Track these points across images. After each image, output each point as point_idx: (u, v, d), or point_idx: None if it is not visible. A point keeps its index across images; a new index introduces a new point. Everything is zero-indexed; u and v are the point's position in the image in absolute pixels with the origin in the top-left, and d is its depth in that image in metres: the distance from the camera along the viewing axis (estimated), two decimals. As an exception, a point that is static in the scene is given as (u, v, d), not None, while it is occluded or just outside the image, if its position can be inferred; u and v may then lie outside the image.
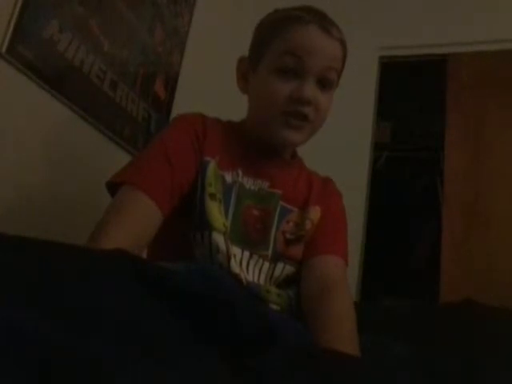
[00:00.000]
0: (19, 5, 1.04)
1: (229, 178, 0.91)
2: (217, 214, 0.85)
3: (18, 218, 1.07)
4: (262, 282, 0.90)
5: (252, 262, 0.89)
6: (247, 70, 0.95)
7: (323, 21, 0.88)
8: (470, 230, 2.05)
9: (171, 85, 1.62)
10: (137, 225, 0.76)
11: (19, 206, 1.08)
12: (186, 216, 0.86)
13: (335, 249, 0.94)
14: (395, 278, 2.65)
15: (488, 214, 2.04)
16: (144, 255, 0.94)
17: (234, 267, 0.84)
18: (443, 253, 2.06)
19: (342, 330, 0.77)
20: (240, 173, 0.92)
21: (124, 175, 0.82)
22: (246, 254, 0.89)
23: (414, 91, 2.88)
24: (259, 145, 0.95)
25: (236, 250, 0.87)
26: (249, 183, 0.93)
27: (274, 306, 0.87)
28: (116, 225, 0.74)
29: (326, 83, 0.89)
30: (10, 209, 1.06)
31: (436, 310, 0.99)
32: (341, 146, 2.14)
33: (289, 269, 0.93)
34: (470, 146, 2.17)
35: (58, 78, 1.15)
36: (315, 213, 0.96)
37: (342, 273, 0.91)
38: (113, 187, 0.82)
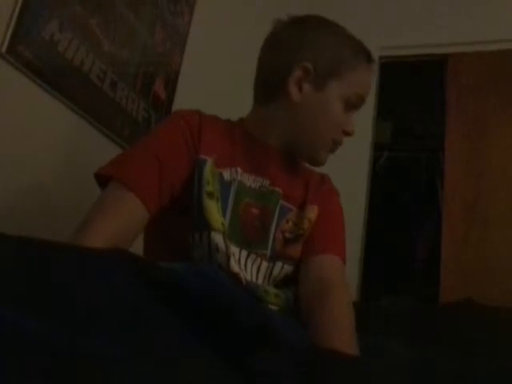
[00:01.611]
0: (19, 5, 1.04)
1: (227, 175, 0.90)
2: (215, 213, 0.85)
3: (17, 218, 1.07)
4: (260, 281, 0.89)
5: (250, 262, 0.89)
6: (305, 80, 0.92)
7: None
8: (470, 230, 2.05)
9: (171, 85, 1.61)
10: (119, 225, 0.76)
11: (19, 205, 1.08)
12: (183, 216, 0.86)
13: (333, 248, 0.94)
14: (395, 277, 2.64)
15: (488, 213, 2.04)
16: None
17: (234, 266, 0.84)
18: (443, 253, 2.06)
19: (340, 330, 0.77)
20: (239, 170, 0.91)
21: (112, 169, 0.82)
22: (244, 253, 0.88)
23: (414, 91, 2.88)
24: (262, 143, 0.95)
25: (234, 249, 0.87)
26: (249, 181, 0.92)
27: (272, 307, 0.87)
28: (97, 224, 0.74)
29: None
30: (10, 209, 1.06)
31: (436, 309, 0.99)
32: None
33: (287, 268, 0.92)
34: (470, 146, 2.17)
35: (57, 78, 1.15)
36: (313, 211, 0.96)
37: (340, 272, 0.91)
38: (102, 177, 0.82)
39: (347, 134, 0.96)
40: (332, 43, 0.94)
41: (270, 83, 0.96)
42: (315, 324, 0.79)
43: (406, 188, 2.95)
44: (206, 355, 0.41)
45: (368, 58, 0.95)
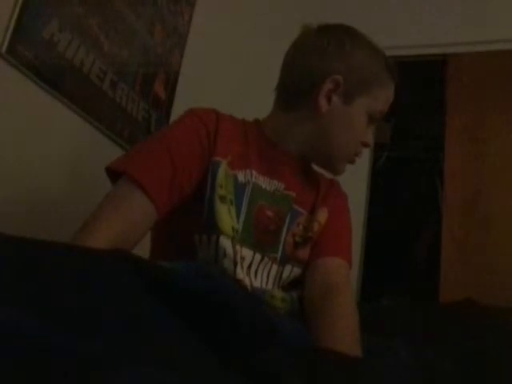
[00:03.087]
0: (19, 5, 1.04)
1: (241, 177, 0.89)
2: (226, 217, 0.84)
3: (17, 218, 1.07)
4: (269, 285, 0.89)
5: (262, 266, 0.88)
6: (335, 93, 0.92)
7: None
8: (469, 229, 2.05)
9: (171, 85, 1.61)
10: (126, 223, 0.76)
11: (19, 206, 1.08)
12: (192, 217, 0.85)
13: (339, 251, 0.94)
14: (395, 277, 2.64)
15: (488, 214, 2.04)
16: (146, 255, 0.94)
17: (239, 273, 0.83)
18: (443, 253, 2.06)
19: (344, 332, 0.77)
20: (254, 172, 0.90)
21: (124, 164, 0.81)
22: (258, 256, 0.88)
23: (414, 91, 2.87)
24: (278, 147, 0.94)
25: (247, 253, 0.86)
26: (264, 183, 0.92)
27: (278, 311, 0.87)
28: (104, 221, 0.74)
29: None
30: (10, 209, 1.06)
31: (436, 309, 0.99)
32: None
33: (296, 271, 0.92)
34: (470, 145, 2.17)
35: (57, 78, 1.15)
36: (323, 214, 0.97)
37: (345, 275, 0.92)
38: (113, 171, 0.81)
39: (365, 145, 0.97)
40: (364, 58, 0.93)
41: (296, 91, 0.95)
42: (319, 326, 0.79)
43: (406, 188, 2.95)
44: (207, 355, 0.41)
45: (393, 74, 0.96)
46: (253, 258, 0.87)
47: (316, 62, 0.93)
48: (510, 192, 2.04)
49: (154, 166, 0.81)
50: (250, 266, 0.87)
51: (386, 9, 2.41)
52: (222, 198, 0.85)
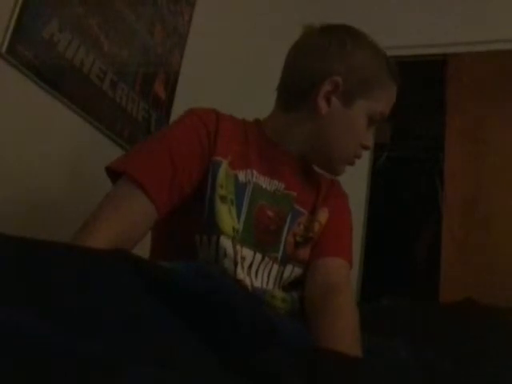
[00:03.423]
0: (19, 5, 1.04)
1: (242, 177, 0.89)
2: (227, 217, 0.84)
3: (17, 218, 1.07)
4: (270, 284, 0.89)
5: (262, 266, 0.88)
6: (334, 94, 0.91)
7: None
8: (469, 229, 2.05)
9: (171, 85, 1.61)
10: (126, 223, 0.76)
11: (19, 206, 1.08)
12: (192, 217, 0.85)
13: (339, 251, 0.94)
14: (395, 277, 2.65)
15: (488, 213, 2.04)
16: (146, 255, 0.94)
17: (240, 273, 0.83)
18: (443, 253, 2.06)
19: (344, 331, 0.77)
20: (255, 172, 0.91)
21: (125, 165, 0.81)
22: (258, 256, 0.88)
23: (414, 91, 2.87)
24: (278, 147, 0.94)
25: (247, 253, 0.86)
26: (265, 183, 0.92)
27: (279, 311, 0.87)
28: (104, 221, 0.74)
29: None
30: (10, 209, 1.06)
31: (436, 309, 0.99)
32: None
33: (297, 271, 0.92)
34: (470, 146, 2.17)
35: (57, 78, 1.15)
36: (323, 214, 0.97)
37: (345, 275, 0.92)
38: (113, 171, 0.81)
39: (365, 147, 0.97)
40: (365, 58, 0.93)
41: (297, 91, 0.94)
42: (319, 326, 0.79)
43: (406, 188, 2.95)
44: (207, 355, 0.41)
45: (396, 77, 0.95)
46: (253, 258, 0.87)
47: (317, 63, 0.92)
48: (510, 192, 2.04)
49: (154, 166, 0.81)
50: (250, 266, 0.87)
51: (386, 9, 2.41)
52: (223, 198, 0.85)
